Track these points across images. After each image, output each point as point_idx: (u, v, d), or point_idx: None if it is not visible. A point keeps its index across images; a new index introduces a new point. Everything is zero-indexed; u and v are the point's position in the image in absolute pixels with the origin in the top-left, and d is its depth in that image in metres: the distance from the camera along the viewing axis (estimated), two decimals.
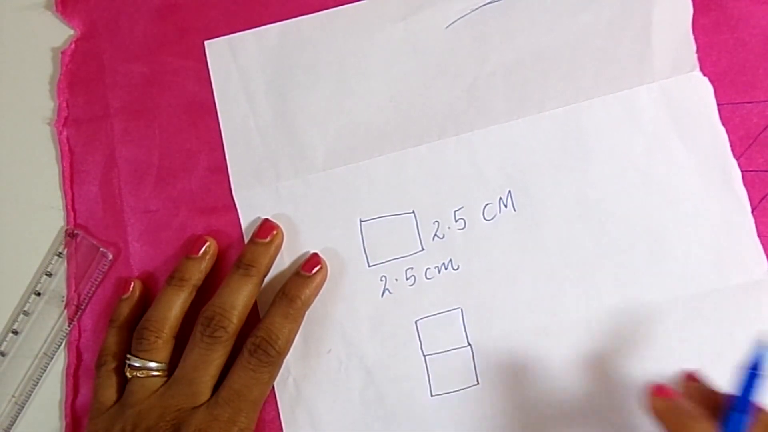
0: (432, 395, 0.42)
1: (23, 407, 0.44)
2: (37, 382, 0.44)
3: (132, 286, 0.43)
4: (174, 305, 0.41)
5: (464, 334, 0.42)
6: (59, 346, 0.44)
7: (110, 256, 0.44)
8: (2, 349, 0.45)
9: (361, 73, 0.44)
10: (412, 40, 0.44)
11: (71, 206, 0.45)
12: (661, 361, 0.41)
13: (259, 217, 0.44)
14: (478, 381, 0.42)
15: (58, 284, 0.45)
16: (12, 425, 0.44)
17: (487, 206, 0.43)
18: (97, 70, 0.46)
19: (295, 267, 0.43)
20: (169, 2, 0.46)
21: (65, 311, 0.45)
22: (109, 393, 0.41)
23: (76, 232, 0.45)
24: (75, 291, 0.45)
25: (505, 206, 0.43)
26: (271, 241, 0.42)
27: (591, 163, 0.42)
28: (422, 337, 0.42)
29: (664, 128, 0.42)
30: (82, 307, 0.44)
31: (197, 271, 0.42)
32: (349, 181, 0.43)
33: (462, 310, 0.42)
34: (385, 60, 0.44)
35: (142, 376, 0.40)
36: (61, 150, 0.45)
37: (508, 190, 0.43)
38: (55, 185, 0.46)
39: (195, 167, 0.45)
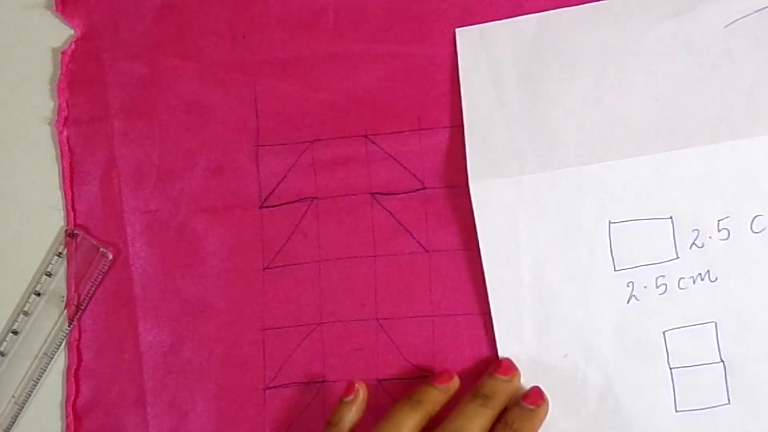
0: (677, 410, 0.40)
1: (23, 407, 0.44)
2: (37, 382, 0.44)
3: (356, 389, 0.41)
4: (403, 425, 0.39)
5: (717, 349, 0.40)
6: (59, 346, 0.44)
7: (110, 256, 0.44)
8: (2, 349, 0.45)
9: (625, 69, 0.41)
10: (685, 38, 0.41)
11: (71, 206, 0.45)
12: None
13: (494, 211, 0.41)
14: (729, 400, 0.39)
15: (58, 284, 0.45)
16: (12, 425, 0.44)
17: (758, 218, 0.39)
18: (97, 70, 0.46)
19: (517, 396, 0.40)
20: (169, 2, 0.46)
21: (65, 311, 0.45)
22: None
23: (76, 232, 0.45)
24: (75, 291, 0.45)
25: None
26: (511, 380, 0.40)
27: None
28: (670, 349, 0.40)
29: None
30: (82, 307, 0.44)
31: (436, 396, 0.40)
32: (602, 180, 0.41)
33: (716, 324, 0.40)
34: (653, 57, 0.41)
35: None
36: (61, 150, 0.45)
37: None
38: (55, 185, 0.46)
39: (195, 167, 0.45)
